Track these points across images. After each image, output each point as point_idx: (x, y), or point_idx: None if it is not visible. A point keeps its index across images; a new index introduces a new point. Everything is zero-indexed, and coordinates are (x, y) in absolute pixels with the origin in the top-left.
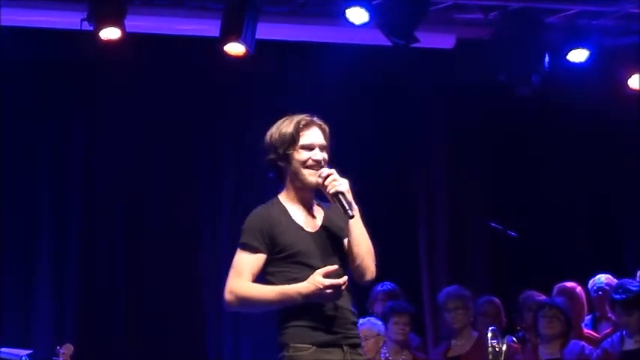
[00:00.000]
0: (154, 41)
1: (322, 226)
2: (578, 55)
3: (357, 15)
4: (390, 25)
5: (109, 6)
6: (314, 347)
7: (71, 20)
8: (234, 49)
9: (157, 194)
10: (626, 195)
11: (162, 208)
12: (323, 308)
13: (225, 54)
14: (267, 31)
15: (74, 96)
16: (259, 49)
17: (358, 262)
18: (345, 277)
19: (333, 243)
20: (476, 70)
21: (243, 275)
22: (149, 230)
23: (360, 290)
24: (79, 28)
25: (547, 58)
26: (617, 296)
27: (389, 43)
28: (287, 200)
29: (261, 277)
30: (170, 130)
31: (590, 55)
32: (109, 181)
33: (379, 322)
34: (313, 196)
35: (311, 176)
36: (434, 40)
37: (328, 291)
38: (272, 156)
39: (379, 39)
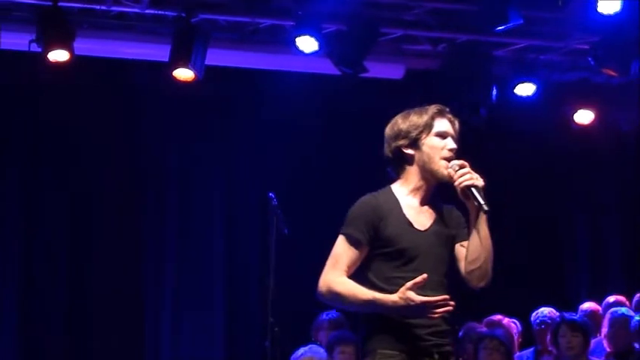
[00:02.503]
0: (102, 64)
1: (433, 226)
2: (526, 89)
3: (307, 44)
4: (339, 54)
5: (58, 28)
6: (403, 354)
7: (19, 41)
8: (183, 74)
9: (102, 215)
10: (570, 229)
11: (107, 230)
12: None
13: (174, 79)
14: (217, 57)
15: (19, 118)
16: (209, 75)
17: (479, 264)
18: (443, 297)
19: (441, 246)
20: (424, 101)
21: (339, 268)
22: (94, 250)
23: (306, 317)
24: (28, 49)
25: (494, 91)
26: (568, 316)
27: (338, 72)
28: (402, 191)
29: (360, 270)
30: (116, 153)
31: (537, 89)
32: (52, 198)
33: (321, 350)
34: (433, 192)
35: (443, 167)
36: (383, 70)
37: (418, 307)
38: (400, 142)
39: (328, 68)
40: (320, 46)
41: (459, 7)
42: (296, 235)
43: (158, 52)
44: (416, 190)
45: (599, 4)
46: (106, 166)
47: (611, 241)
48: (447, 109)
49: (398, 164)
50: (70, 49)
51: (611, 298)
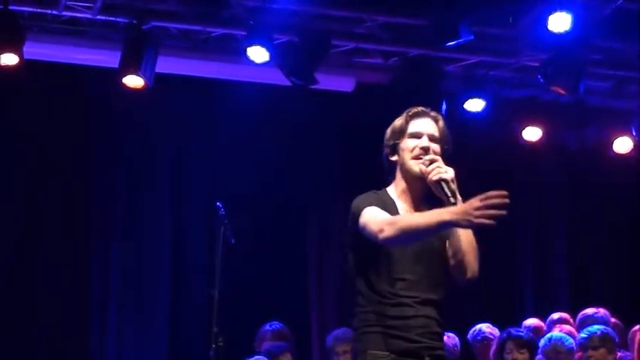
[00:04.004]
0: (52, 69)
1: None
2: (475, 105)
3: (258, 54)
4: (290, 65)
5: (8, 32)
6: (392, 355)
7: None
8: (133, 81)
9: (48, 221)
10: (515, 245)
11: (53, 236)
12: (404, 314)
13: (124, 86)
14: (168, 65)
15: None
16: (159, 83)
17: (459, 257)
18: (500, 192)
19: (435, 242)
20: (374, 114)
21: (383, 214)
22: (39, 253)
23: (251, 328)
24: None
25: (444, 106)
26: (514, 332)
27: (289, 83)
28: (394, 193)
29: (352, 267)
30: (64, 157)
31: (487, 105)
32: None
33: None
34: (422, 192)
35: (414, 165)
36: (334, 82)
37: (477, 212)
38: (385, 151)
39: (279, 79)
40: (271, 56)
41: (411, 21)
42: (243, 245)
43: (109, 58)
44: (404, 192)
45: (549, 22)
46: (54, 170)
47: (556, 259)
48: (428, 109)
49: (389, 172)
50: (20, 53)
51: (556, 315)
